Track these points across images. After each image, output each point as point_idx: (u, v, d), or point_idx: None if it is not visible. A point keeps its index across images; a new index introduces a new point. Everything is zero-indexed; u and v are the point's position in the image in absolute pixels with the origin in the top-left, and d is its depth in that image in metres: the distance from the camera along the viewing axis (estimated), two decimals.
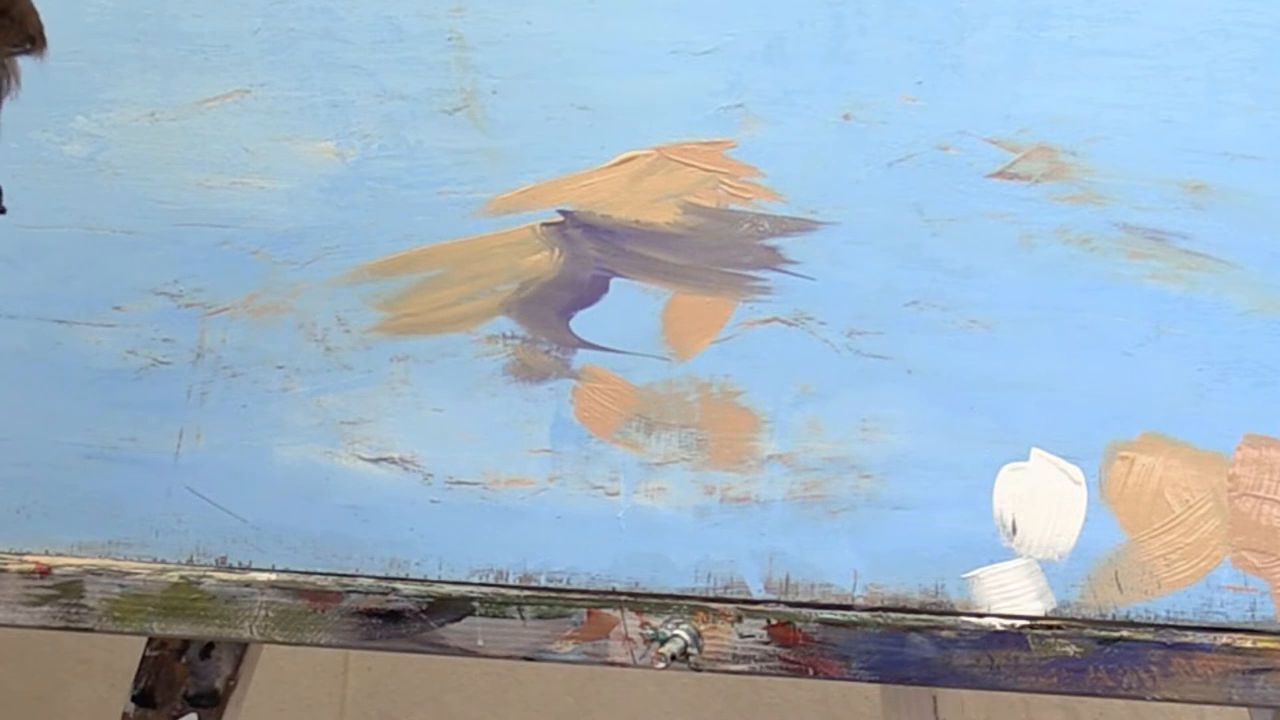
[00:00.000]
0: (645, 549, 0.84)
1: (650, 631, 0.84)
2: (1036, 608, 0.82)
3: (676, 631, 0.83)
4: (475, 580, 0.85)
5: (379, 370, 0.84)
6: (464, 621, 0.85)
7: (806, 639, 0.83)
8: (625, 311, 0.82)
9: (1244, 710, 0.96)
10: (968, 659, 0.82)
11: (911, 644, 0.82)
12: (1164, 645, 0.81)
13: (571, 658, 0.85)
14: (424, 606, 0.80)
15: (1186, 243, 0.78)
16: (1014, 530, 0.81)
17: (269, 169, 0.83)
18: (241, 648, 1.06)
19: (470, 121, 0.81)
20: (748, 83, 0.79)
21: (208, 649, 1.06)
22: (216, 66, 0.82)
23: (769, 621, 0.83)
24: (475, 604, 0.85)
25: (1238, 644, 0.80)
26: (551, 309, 0.82)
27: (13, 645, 1.78)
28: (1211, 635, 0.80)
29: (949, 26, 0.77)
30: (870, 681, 0.84)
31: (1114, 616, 0.81)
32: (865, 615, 0.82)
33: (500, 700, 1.73)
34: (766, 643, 0.83)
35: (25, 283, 0.85)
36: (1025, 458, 0.81)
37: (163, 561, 0.87)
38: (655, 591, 0.84)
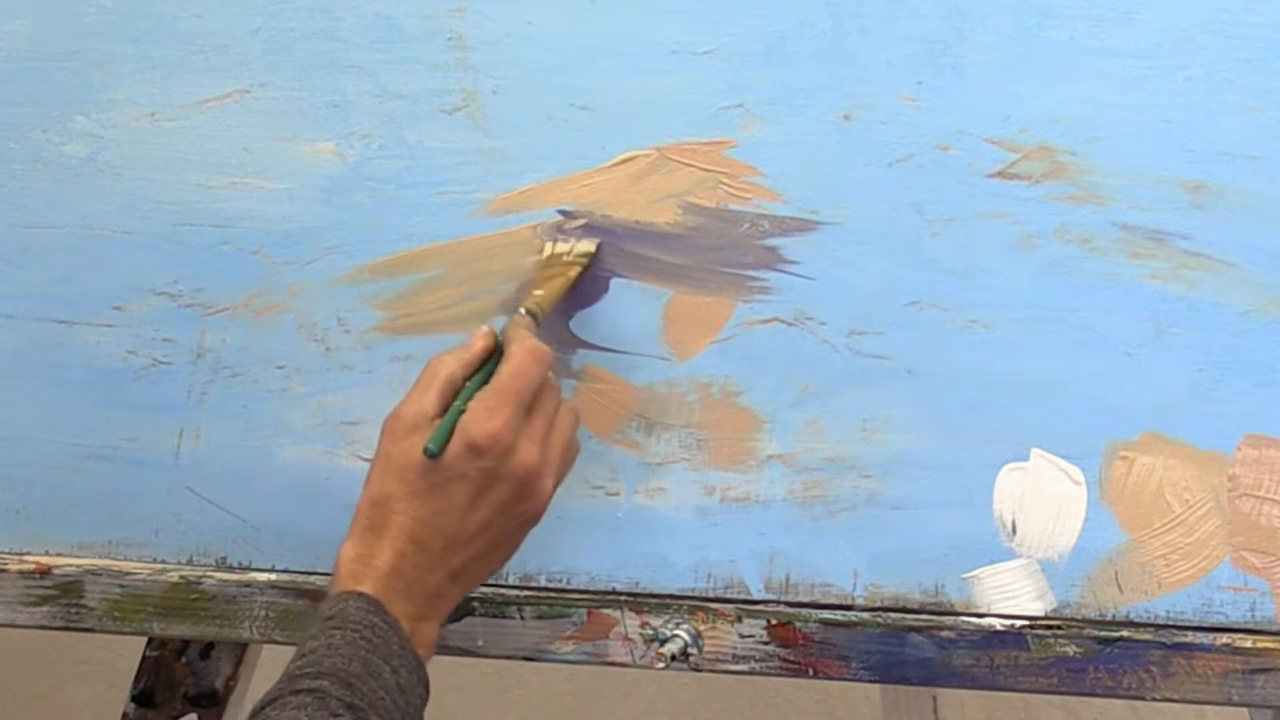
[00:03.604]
0: (645, 549, 0.84)
1: (650, 631, 0.84)
2: (1036, 608, 0.82)
3: (676, 631, 0.83)
4: None
5: (379, 370, 0.84)
6: (464, 621, 0.85)
7: (806, 639, 0.83)
8: (625, 311, 0.82)
9: (1244, 710, 0.96)
10: (967, 659, 0.82)
11: (911, 644, 0.82)
12: (1164, 645, 0.81)
13: (571, 658, 0.85)
14: None
15: (1186, 243, 0.78)
16: (1014, 530, 0.81)
17: (269, 169, 0.83)
18: (241, 648, 1.07)
19: (470, 121, 0.81)
20: (748, 83, 0.79)
21: (208, 649, 1.06)
22: (216, 66, 0.82)
23: (769, 621, 0.83)
24: (475, 604, 0.85)
25: (1238, 644, 0.80)
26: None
27: (13, 645, 1.78)
28: (1211, 635, 0.80)
29: (949, 26, 0.77)
30: (870, 681, 0.84)
31: (1114, 616, 0.81)
32: (865, 615, 0.82)
33: (500, 700, 1.73)
34: (766, 643, 0.83)
35: (25, 283, 0.85)
36: (1025, 458, 0.81)
37: (163, 561, 0.87)
38: (655, 591, 0.84)
